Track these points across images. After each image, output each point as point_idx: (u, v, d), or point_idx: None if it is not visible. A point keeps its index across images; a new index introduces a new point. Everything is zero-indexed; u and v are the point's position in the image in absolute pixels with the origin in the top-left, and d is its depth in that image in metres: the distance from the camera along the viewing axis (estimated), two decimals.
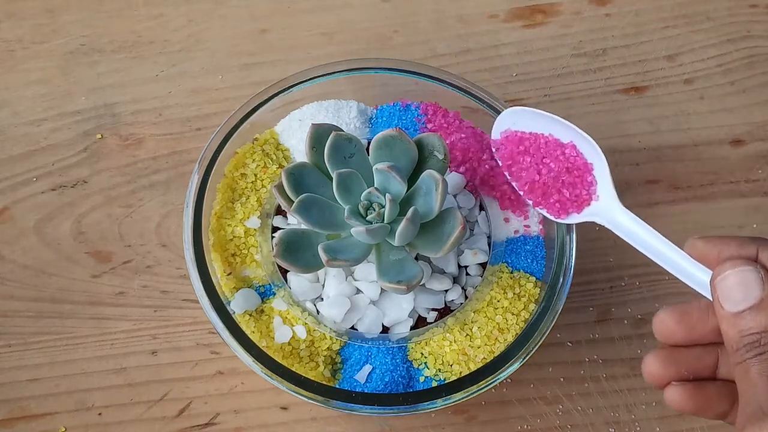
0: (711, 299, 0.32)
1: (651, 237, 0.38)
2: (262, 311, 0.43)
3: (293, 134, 0.48)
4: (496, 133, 0.45)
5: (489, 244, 0.45)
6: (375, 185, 0.40)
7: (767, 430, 0.28)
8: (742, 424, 0.29)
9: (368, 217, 0.40)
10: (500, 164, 0.44)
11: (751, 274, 0.31)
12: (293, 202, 0.39)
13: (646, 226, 0.38)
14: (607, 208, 0.40)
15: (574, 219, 0.42)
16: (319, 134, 0.41)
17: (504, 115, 0.44)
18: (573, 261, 0.43)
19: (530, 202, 0.43)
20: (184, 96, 0.57)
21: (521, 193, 0.43)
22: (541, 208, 0.43)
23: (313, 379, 0.40)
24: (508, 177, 0.44)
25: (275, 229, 0.45)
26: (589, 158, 0.42)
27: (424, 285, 0.43)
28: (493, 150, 0.44)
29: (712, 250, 0.33)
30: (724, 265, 0.32)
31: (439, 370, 0.42)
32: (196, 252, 0.43)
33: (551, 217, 0.42)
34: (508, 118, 0.44)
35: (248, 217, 0.45)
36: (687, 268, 0.35)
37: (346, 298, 0.42)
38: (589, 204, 0.41)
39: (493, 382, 0.40)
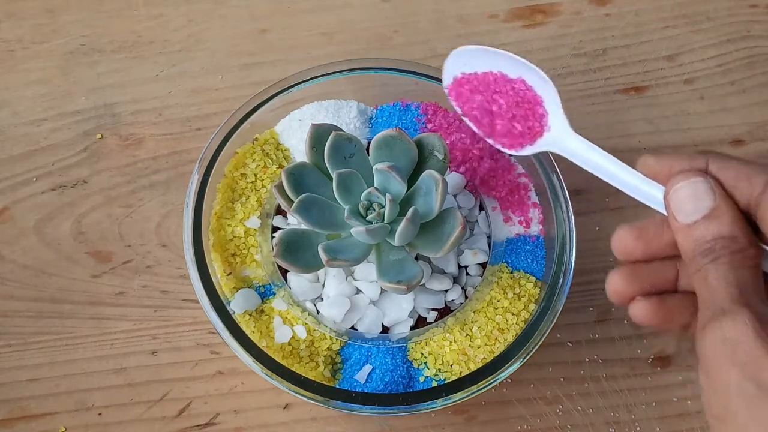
0: (666, 214, 0.33)
1: (604, 160, 0.38)
2: (262, 311, 0.43)
3: (293, 134, 0.48)
4: (447, 78, 0.44)
5: (489, 244, 0.45)
6: (375, 185, 0.40)
7: (726, 324, 0.29)
8: (702, 325, 0.30)
9: (368, 217, 0.40)
10: (457, 109, 0.43)
11: (702, 185, 0.32)
12: (293, 202, 0.39)
13: (599, 149, 0.38)
14: (559, 138, 0.40)
15: (529, 150, 0.41)
16: (319, 134, 0.41)
17: (451, 58, 0.44)
18: (573, 261, 0.43)
19: (486, 138, 0.42)
20: (184, 96, 0.57)
21: (477, 130, 0.42)
22: (496, 143, 0.42)
23: (313, 379, 0.40)
24: (464, 119, 0.43)
25: (275, 229, 0.45)
26: (539, 91, 0.42)
27: (424, 285, 0.43)
28: (447, 96, 0.44)
29: (664, 167, 0.34)
30: (675, 178, 0.33)
31: (439, 370, 0.42)
32: (196, 252, 0.43)
33: (507, 151, 0.42)
34: (456, 60, 0.44)
35: (248, 217, 0.45)
36: (640, 186, 0.36)
37: (346, 298, 0.42)
38: (541, 135, 0.41)
39: (493, 382, 0.40)
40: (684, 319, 0.35)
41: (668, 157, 0.34)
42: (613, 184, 0.37)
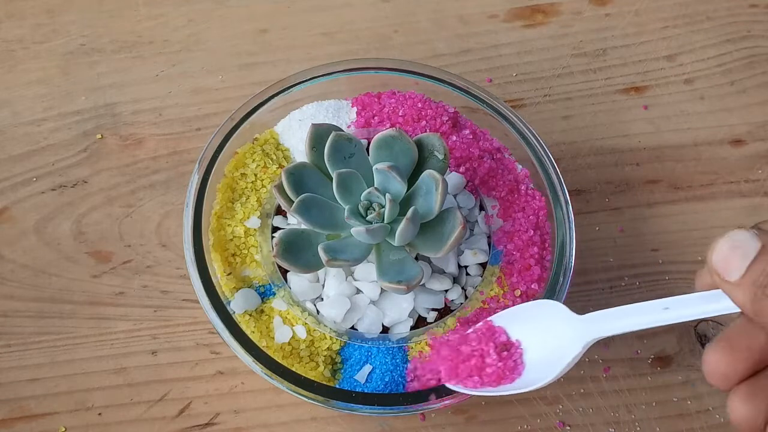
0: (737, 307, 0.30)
1: (640, 311, 0.33)
2: (262, 311, 0.43)
3: (293, 134, 0.48)
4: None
5: (489, 244, 0.45)
6: (375, 185, 0.40)
7: None
8: None
9: (368, 217, 0.40)
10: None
11: (742, 234, 0.29)
12: (293, 202, 0.39)
13: (623, 309, 0.33)
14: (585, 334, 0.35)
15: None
16: (319, 134, 0.41)
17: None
18: (573, 261, 0.43)
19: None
20: (184, 96, 0.57)
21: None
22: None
23: (313, 379, 0.40)
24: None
25: (275, 229, 0.45)
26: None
27: (424, 285, 0.43)
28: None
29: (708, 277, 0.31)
30: (714, 244, 0.30)
31: None
32: (196, 252, 0.43)
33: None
34: None
35: (248, 217, 0.45)
36: (697, 302, 0.32)
37: (346, 298, 0.42)
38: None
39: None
40: None
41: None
42: (670, 322, 0.32)
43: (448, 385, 0.37)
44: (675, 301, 0.32)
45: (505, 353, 0.37)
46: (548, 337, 0.36)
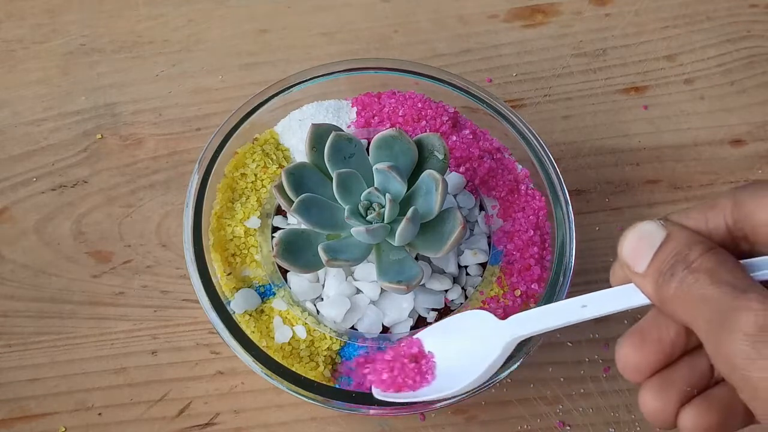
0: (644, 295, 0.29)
1: (557, 311, 0.33)
2: (262, 311, 0.43)
3: (293, 134, 0.48)
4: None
5: (489, 244, 0.45)
6: (375, 185, 0.40)
7: (748, 318, 0.25)
8: (715, 342, 0.26)
9: (368, 217, 0.40)
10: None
11: (649, 225, 0.29)
12: (293, 202, 0.39)
13: (539, 310, 0.34)
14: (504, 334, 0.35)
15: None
16: (319, 134, 0.41)
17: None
18: (573, 261, 0.43)
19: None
20: (184, 96, 0.57)
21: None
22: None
23: (313, 379, 0.40)
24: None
25: (275, 229, 0.45)
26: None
27: (424, 285, 0.43)
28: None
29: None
30: (623, 237, 0.29)
31: None
32: (196, 252, 0.43)
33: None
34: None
35: (248, 217, 0.45)
36: (612, 299, 0.32)
37: (346, 298, 0.42)
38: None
39: (493, 381, 0.40)
40: (742, 409, 0.29)
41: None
42: (588, 317, 0.32)
43: (374, 393, 0.39)
44: (591, 298, 0.32)
45: (414, 364, 0.38)
46: (473, 345, 0.37)
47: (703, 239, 0.28)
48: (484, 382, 0.37)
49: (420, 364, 0.38)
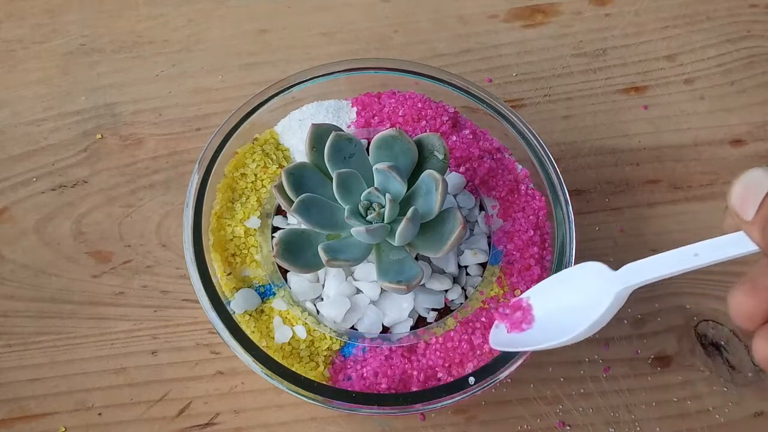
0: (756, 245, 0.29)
1: (674, 257, 0.33)
2: (262, 311, 0.43)
3: (293, 134, 0.48)
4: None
5: (489, 244, 0.45)
6: (375, 185, 0.40)
7: None
8: None
9: (368, 217, 0.40)
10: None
11: (756, 172, 0.29)
12: (293, 202, 0.39)
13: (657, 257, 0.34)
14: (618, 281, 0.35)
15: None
16: (319, 134, 0.41)
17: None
18: (573, 261, 0.43)
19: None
20: (184, 96, 0.57)
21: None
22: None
23: (313, 379, 0.40)
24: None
25: (275, 229, 0.45)
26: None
27: (424, 285, 0.43)
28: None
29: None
30: (732, 186, 0.29)
31: None
32: (196, 252, 0.43)
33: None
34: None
35: (248, 217, 0.45)
36: (723, 245, 0.32)
37: (346, 298, 0.42)
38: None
39: (493, 381, 0.40)
40: None
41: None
42: (701, 265, 0.33)
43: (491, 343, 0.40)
44: (703, 246, 0.32)
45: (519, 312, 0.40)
46: (582, 297, 0.37)
47: None
48: (589, 330, 0.36)
49: (523, 311, 0.39)
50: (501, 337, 0.40)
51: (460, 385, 0.40)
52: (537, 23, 0.61)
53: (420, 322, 0.43)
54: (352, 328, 0.42)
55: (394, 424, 0.46)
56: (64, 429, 0.46)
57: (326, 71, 0.48)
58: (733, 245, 0.31)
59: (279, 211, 0.46)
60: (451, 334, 0.42)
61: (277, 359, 0.41)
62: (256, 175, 0.46)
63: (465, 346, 0.41)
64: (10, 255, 0.51)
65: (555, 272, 0.43)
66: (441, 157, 0.41)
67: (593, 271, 0.37)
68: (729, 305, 0.31)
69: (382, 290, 0.43)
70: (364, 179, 0.40)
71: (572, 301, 0.38)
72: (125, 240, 0.52)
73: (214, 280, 0.42)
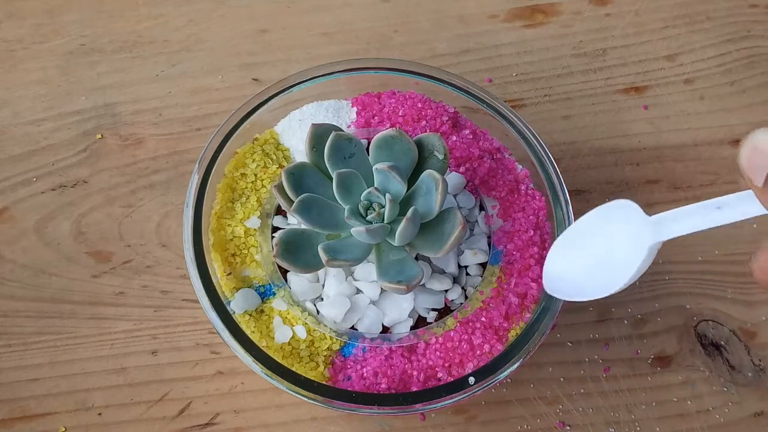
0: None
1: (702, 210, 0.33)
2: (262, 311, 0.43)
3: (293, 134, 0.48)
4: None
5: (489, 244, 0.45)
6: (375, 185, 0.40)
7: None
8: None
9: (368, 217, 0.40)
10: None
11: (762, 133, 0.28)
12: (293, 202, 0.39)
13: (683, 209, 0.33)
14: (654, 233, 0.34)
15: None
16: (319, 134, 0.41)
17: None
18: None
19: None
20: (184, 96, 0.57)
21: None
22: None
23: (313, 379, 0.40)
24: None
25: (275, 229, 0.45)
26: None
27: (424, 285, 0.43)
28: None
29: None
30: (740, 148, 0.28)
31: None
32: (196, 252, 0.43)
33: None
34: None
35: (248, 217, 0.45)
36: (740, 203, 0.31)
37: (346, 298, 0.42)
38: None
39: (493, 382, 0.40)
40: None
41: None
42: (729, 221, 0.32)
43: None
44: (726, 200, 0.32)
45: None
46: (614, 244, 0.37)
47: None
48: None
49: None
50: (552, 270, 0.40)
51: (460, 385, 0.40)
52: (537, 23, 0.61)
53: (420, 322, 0.43)
54: (352, 328, 0.42)
55: (394, 424, 0.46)
56: (64, 429, 0.46)
57: (326, 71, 0.48)
58: (755, 203, 0.30)
59: (279, 211, 0.46)
60: (451, 334, 0.42)
61: (277, 359, 0.41)
62: (256, 175, 0.46)
63: (465, 346, 0.41)
64: (10, 255, 0.51)
65: None
66: (441, 157, 0.41)
67: (627, 214, 0.36)
68: (754, 267, 0.31)
69: (382, 290, 0.43)
70: (364, 179, 0.40)
71: (603, 248, 0.37)
72: (125, 240, 0.52)
73: (214, 280, 0.42)
